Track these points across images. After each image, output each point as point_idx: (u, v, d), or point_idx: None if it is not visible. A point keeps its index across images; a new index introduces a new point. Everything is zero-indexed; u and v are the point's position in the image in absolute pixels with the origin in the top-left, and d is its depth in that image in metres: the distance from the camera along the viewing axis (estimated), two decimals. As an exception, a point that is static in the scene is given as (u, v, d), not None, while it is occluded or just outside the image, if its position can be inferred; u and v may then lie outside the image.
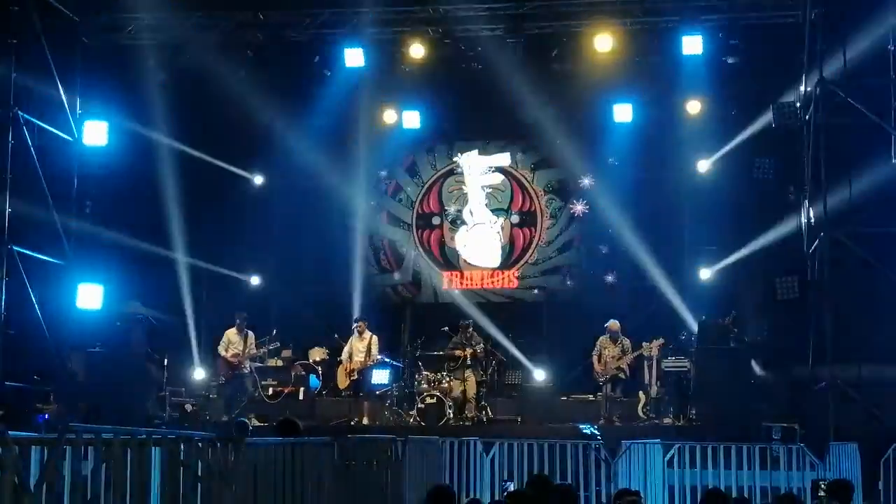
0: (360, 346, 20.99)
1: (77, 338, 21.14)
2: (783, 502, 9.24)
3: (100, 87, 22.11)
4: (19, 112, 20.16)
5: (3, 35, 20.08)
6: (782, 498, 9.84)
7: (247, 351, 20.90)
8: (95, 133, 21.87)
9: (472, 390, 20.66)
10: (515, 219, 24.74)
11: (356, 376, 20.93)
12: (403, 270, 25.08)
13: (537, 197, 24.72)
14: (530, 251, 24.64)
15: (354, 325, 21.34)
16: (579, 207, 24.44)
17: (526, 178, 24.79)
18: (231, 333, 20.99)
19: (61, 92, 21.19)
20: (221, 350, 20.96)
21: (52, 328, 20.61)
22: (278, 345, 21.71)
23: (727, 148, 22.49)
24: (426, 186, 25.10)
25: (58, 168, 21.26)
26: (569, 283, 24.56)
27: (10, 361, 19.65)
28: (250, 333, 21.08)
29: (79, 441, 6.24)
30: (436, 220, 25.07)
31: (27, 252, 20.30)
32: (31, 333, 20.36)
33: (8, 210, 19.81)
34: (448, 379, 20.62)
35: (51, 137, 21.25)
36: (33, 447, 6.64)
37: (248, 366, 21.03)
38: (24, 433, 7.59)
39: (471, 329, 21.27)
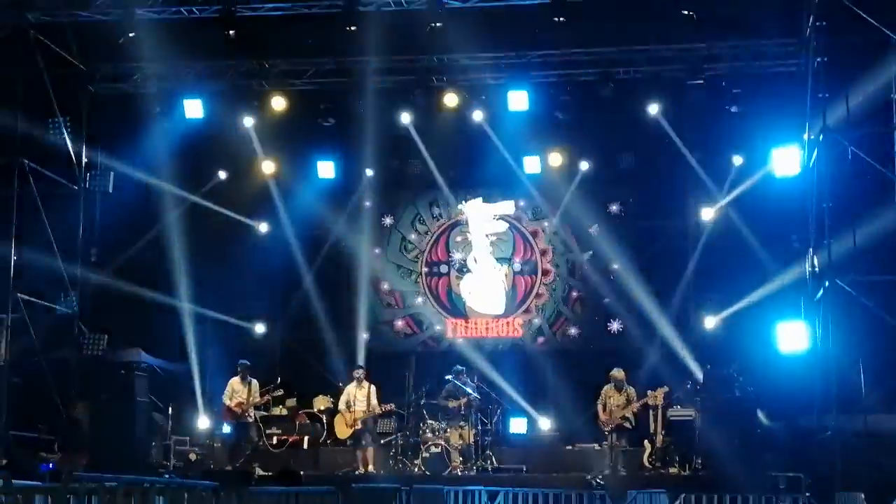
0: (360, 394, 20.92)
1: (81, 386, 21.13)
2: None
3: (106, 135, 22.20)
4: (25, 161, 20.24)
5: (10, 84, 20.18)
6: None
7: (251, 400, 20.85)
8: (101, 181, 21.92)
9: (470, 438, 20.53)
10: (517, 267, 24.77)
11: (359, 426, 20.84)
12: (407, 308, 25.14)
13: (538, 247, 24.73)
14: (531, 298, 24.64)
15: (355, 372, 21.27)
16: (584, 255, 24.42)
17: (527, 229, 24.82)
18: (235, 382, 20.96)
19: (67, 140, 21.29)
20: (226, 399, 20.92)
21: (56, 376, 20.62)
22: (281, 393, 21.66)
23: (731, 196, 22.55)
24: (434, 236, 25.14)
25: (64, 216, 21.33)
26: (573, 331, 24.52)
27: (15, 410, 19.62)
28: (254, 382, 21.03)
29: (82, 490, 6.25)
30: (443, 269, 25.10)
31: (33, 300, 20.34)
32: (36, 382, 20.37)
33: (14, 258, 19.85)
34: (448, 428, 20.58)
35: (56, 186, 21.33)
36: (37, 496, 6.65)
37: (252, 414, 20.98)
38: (29, 482, 7.60)
39: (464, 376, 21.24)
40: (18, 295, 19.97)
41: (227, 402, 20.84)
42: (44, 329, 20.72)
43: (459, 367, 21.47)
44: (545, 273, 24.69)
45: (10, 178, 20.08)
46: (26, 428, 20.10)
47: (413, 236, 25.26)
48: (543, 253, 24.75)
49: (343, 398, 21.13)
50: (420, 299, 25.06)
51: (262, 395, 21.09)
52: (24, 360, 20.38)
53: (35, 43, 20.50)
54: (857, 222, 19.30)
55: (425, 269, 25.13)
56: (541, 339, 24.60)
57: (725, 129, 22.36)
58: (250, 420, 20.94)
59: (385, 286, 25.21)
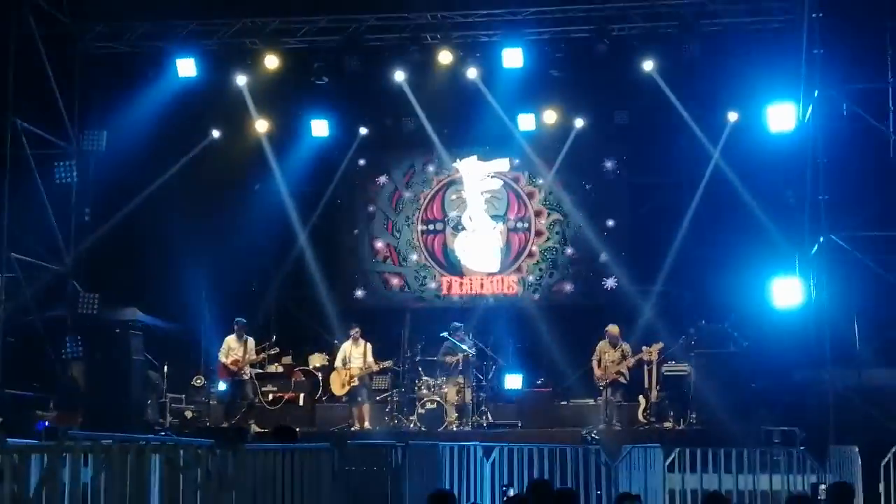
0: (356, 352, 21.05)
1: (76, 344, 21.15)
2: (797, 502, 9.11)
3: (98, 95, 22.12)
4: (17, 120, 20.18)
5: (1, 43, 20.08)
6: (794, 499, 9.72)
7: (246, 357, 20.91)
8: (94, 141, 21.84)
9: (468, 395, 20.70)
10: (512, 224, 24.77)
11: (356, 382, 20.95)
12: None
13: (531, 205, 24.72)
14: (524, 255, 24.64)
15: (351, 330, 21.37)
16: (578, 213, 24.41)
17: (516, 182, 24.81)
18: (231, 340, 21.01)
19: (59, 100, 21.20)
20: (221, 356, 20.97)
21: (50, 335, 20.65)
22: (277, 350, 21.71)
23: (725, 152, 22.56)
24: (430, 195, 25.11)
25: (55, 175, 21.29)
26: (567, 288, 24.55)
27: (10, 369, 19.64)
28: (250, 340, 21.10)
29: (78, 448, 6.25)
30: (439, 226, 25.09)
31: (27, 259, 20.33)
32: (31, 341, 20.40)
33: (6, 217, 19.83)
34: (445, 384, 20.69)
35: (49, 145, 21.28)
36: (33, 455, 6.65)
37: (247, 372, 21.04)
38: (24, 441, 7.61)
39: (461, 333, 21.30)
40: (12, 254, 19.94)
41: (223, 360, 20.89)
42: (38, 288, 20.71)
43: (457, 324, 21.56)
44: (538, 233, 24.68)
45: (3, 138, 20.01)
46: (22, 387, 20.12)
47: (408, 194, 25.21)
48: (538, 214, 24.72)
49: (339, 355, 21.26)
50: (415, 256, 25.05)
51: (257, 352, 21.16)
52: (18, 320, 20.39)
53: (26, 2, 20.36)
54: (852, 178, 19.31)
55: (421, 227, 25.11)
56: (535, 296, 24.60)
57: (720, 85, 22.28)
58: (246, 377, 21.01)
59: (379, 244, 25.19)
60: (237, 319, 21.21)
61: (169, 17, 21.97)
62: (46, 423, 19.22)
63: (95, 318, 21.29)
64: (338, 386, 21.24)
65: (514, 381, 22.10)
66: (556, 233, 24.64)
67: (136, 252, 22.65)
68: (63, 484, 6.22)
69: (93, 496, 6.41)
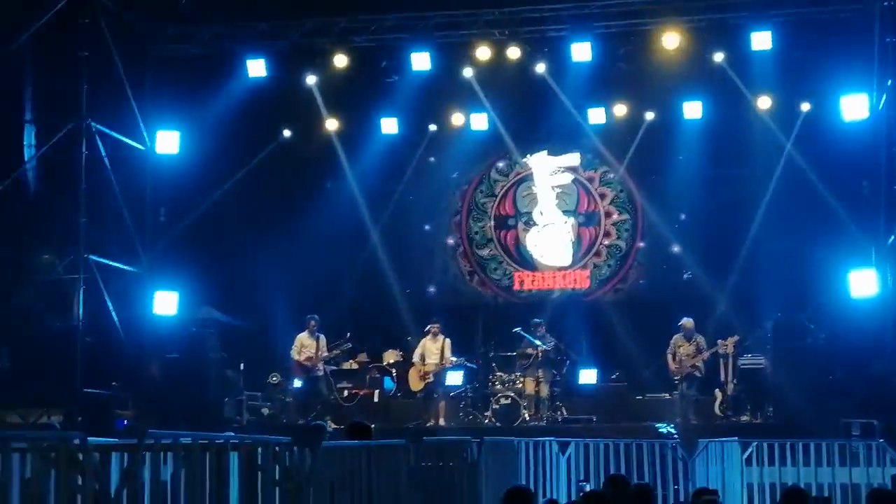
0: (434, 348, 21.10)
1: (154, 344, 21.41)
2: (878, 498, 8.98)
3: (170, 97, 22.33)
4: (92, 123, 20.42)
5: (74, 47, 20.34)
6: (876, 494, 9.59)
7: (319, 354, 21.02)
8: (167, 142, 22.07)
9: (545, 390, 20.69)
10: (582, 219, 24.70)
11: (431, 378, 21.00)
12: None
13: (600, 199, 24.64)
14: (595, 249, 24.56)
15: (428, 327, 21.44)
16: (649, 206, 24.30)
17: (590, 182, 24.72)
18: (303, 337, 21.14)
19: (132, 102, 21.44)
20: (294, 354, 21.11)
21: (129, 335, 20.91)
22: (350, 346, 21.80)
23: (799, 143, 22.31)
24: (502, 192, 25.10)
25: (131, 177, 21.57)
26: (641, 281, 24.45)
27: (89, 368, 19.89)
28: (322, 336, 21.21)
29: (158, 446, 6.31)
30: (511, 222, 25.07)
31: (103, 261, 20.58)
32: (109, 341, 20.67)
33: (83, 220, 20.08)
34: (521, 379, 20.68)
35: (123, 147, 21.53)
36: (113, 453, 6.73)
37: (321, 368, 21.16)
38: (104, 439, 7.70)
39: (542, 328, 21.26)
40: (90, 256, 20.19)
41: (296, 357, 21.04)
42: (115, 289, 20.95)
43: (537, 320, 21.46)
44: (607, 232, 24.57)
45: (78, 141, 20.26)
46: (101, 386, 20.37)
47: (479, 190, 25.22)
48: (603, 198, 24.63)
49: (417, 351, 21.34)
50: (487, 252, 25.04)
51: (330, 349, 21.27)
52: (96, 320, 20.63)
53: (98, 5, 20.59)
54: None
55: (493, 223, 25.10)
56: (608, 290, 24.53)
57: (792, 76, 22.05)
58: (320, 374, 21.14)
59: (451, 240, 25.22)
60: (309, 316, 21.32)
61: (238, 19, 22.14)
62: (126, 422, 19.47)
63: (172, 317, 21.53)
64: (415, 381, 21.32)
65: (588, 376, 22.02)
66: (626, 230, 24.53)
67: (210, 251, 22.85)
68: (143, 482, 6.28)
69: (173, 494, 6.46)
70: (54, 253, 20.78)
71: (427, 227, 25.21)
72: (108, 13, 20.83)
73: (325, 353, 21.17)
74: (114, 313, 20.67)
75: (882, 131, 19.50)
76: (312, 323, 21.19)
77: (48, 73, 20.41)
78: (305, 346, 21.08)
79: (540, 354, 20.85)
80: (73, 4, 20.17)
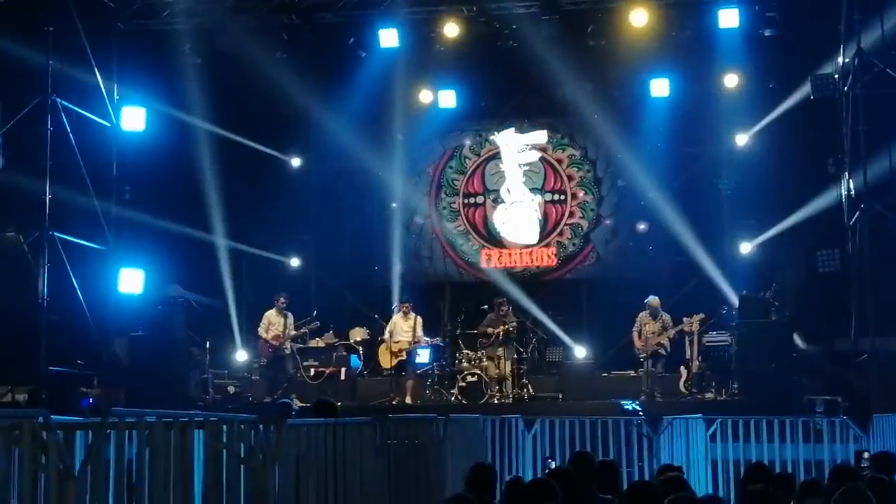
0: (405, 325, 21.08)
1: (119, 322, 21.34)
2: (840, 475, 9.04)
3: (136, 73, 22.21)
4: (57, 99, 20.28)
5: (40, 23, 20.18)
6: (839, 471, 9.65)
7: (287, 332, 20.99)
8: (133, 119, 21.96)
9: (507, 368, 20.72)
10: (548, 196, 24.70)
11: (403, 356, 21.00)
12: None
13: (567, 178, 24.65)
14: (562, 227, 24.57)
15: (399, 305, 21.42)
16: (616, 183, 24.35)
17: (557, 160, 24.73)
18: (271, 315, 21.09)
19: (98, 78, 21.33)
20: (262, 332, 21.06)
21: (94, 313, 20.83)
22: (318, 325, 21.77)
23: (765, 121, 22.35)
24: (471, 170, 25.07)
25: (97, 154, 21.46)
26: (607, 259, 24.49)
27: (54, 346, 19.81)
28: (289, 315, 21.17)
29: (122, 425, 6.29)
30: (479, 199, 25.03)
31: (68, 238, 20.47)
32: (74, 318, 20.57)
33: (48, 196, 19.97)
34: (485, 357, 20.71)
35: (89, 124, 21.41)
36: (77, 431, 6.71)
37: (288, 347, 21.13)
38: (68, 418, 7.67)
39: (505, 306, 21.29)
40: (54, 233, 20.08)
41: (264, 335, 20.98)
42: (80, 267, 20.86)
43: (499, 298, 21.50)
44: (575, 203, 24.60)
45: (44, 117, 20.12)
46: (66, 364, 20.29)
47: (448, 167, 25.18)
48: (571, 180, 24.65)
49: (388, 328, 21.31)
50: (455, 228, 25.02)
51: (298, 328, 21.23)
52: (61, 298, 20.53)
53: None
54: (893, 146, 19.19)
55: (462, 200, 25.06)
56: (574, 267, 24.57)
57: (760, 54, 22.10)
58: (287, 352, 21.09)
59: (418, 218, 25.19)
60: (277, 293, 21.27)
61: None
62: (91, 400, 19.41)
63: (137, 295, 21.45)
64: (386, 358, 21.31)
65: (554, 354, 22.10)
66: (591, 209, 24.54)
67: (176, 229, 22.75)
68: (108, 461, 6.26)
69: (137, 472, 6.45)
70: (19, 230, 20.62)
71: (394, 205, 25.12)
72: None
73: (293, 332, 21.13)
74: (79, 291, 20.57)
75: (848, 109, 19.58)
76: (281, 300, 21.13)
77: (13, 48, 20.25)
78: (273, 323, 21.03)
79: (501, 333, 20.88)
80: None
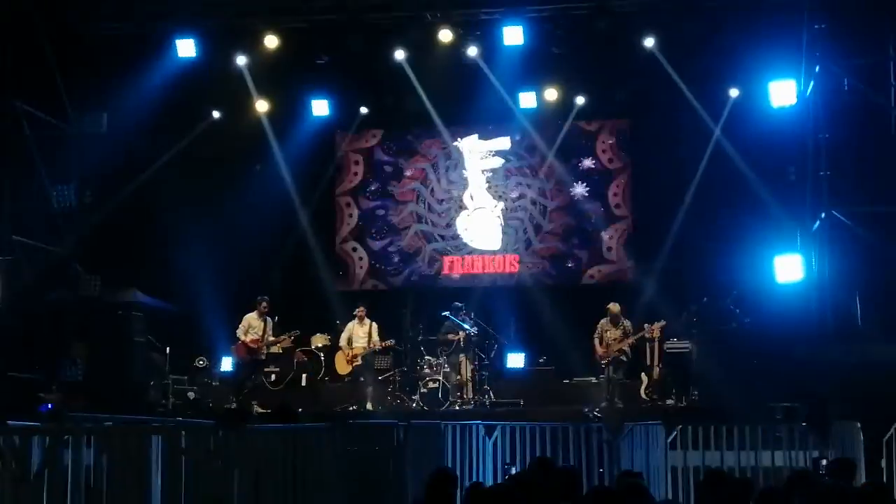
0: (362, 331, 21.07)
1: (78, 327, 21.17)
2: (798, 481, 9.06)
3: (98, 76, 22.06)
4: (16, 102, 20.14)
5: (-1, 27, 20.06)
6: (797, 477, 9.68)
7: (266, 337, 20.78)
8: (94, 122, 21.80)
9: (468, 374, 20.73)
10: (511, 203, 24.72)
11: (359, 362, 20.97)
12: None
13: (528, 189, 24.68)
14: (526, 234, 24.60)
15: (356, 311, 21.38)
16: (578, 190, 24.41)
17: (523, 164, 24.75)
18: (251, 318, 20.84)
19: (59, 81, 21.16)
20: (240, 334, 20.80)
21: (53, 317, 20.66)
22: (298, 333, 21.49)
23: (727, 128, 22.50)
24: (433, 175, 25.05)
25: (57, 157, 21.27)
26: (569, 265, 24.53)
27: (11, 351, 19.64)
28: (269, 319, 20.95)
29: (79, 430, 6.26)
30: (443, 206, 24.99)
31: (28, 241, 20.32)
32: (32, 323, 20.40)
33: (7, 201, 19.82)
34: (446, 364, 20.70)
35: (49, 127, 21.24)
36: (35, 437, 6.66)
37: (265, 353, 20.93)
38: (26, 423, 7.62)
39: (463, 313, 21.28)
40: (13, 236, 19.93)
41: (243, 337, 20.75)
42: (39, 270, 20.70)
43: (458, 304, 21.51)
44: (536, 210, 24.63)
45: (2, 120, 19.97)
46: (23, 369, 20.12)
47: (409, 173, 25.17)
48: (530, 188, 24.69)
49: (344, 335, 21.28)
50: (417, 236, 24.99)
51: (278, 336, 20.95)
52: (19, 302, 20.37)
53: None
54: (853, 153, 19.28)
55: (423, 206, 25.04)
56: (536, 275, 24.57)
57: (722, 62, 22.18)
58: (263, 358, 20.92)
59: (381, 224, 25.14)
60: (260, 297, 20.99)
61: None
62: (49, 406, 19.24)
63: (96, 299, 21.30)
64: (342, 365, 21.28)
65: (516, 360, 22.13)
66: (556, 209, 24.56)
67: (137, 233, 22.65)
68: (65, 465, 6.22)
69: (95, 477, 6.41)
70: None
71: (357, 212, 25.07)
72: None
73: (272, 338, 20.93)
74: (37, 295, 20.41)
75: (809, 117, 19.67)
76: (263, 305, 20.85)
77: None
78: (253, 327, 20.80)
79: (462, 339, 20.88)
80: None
